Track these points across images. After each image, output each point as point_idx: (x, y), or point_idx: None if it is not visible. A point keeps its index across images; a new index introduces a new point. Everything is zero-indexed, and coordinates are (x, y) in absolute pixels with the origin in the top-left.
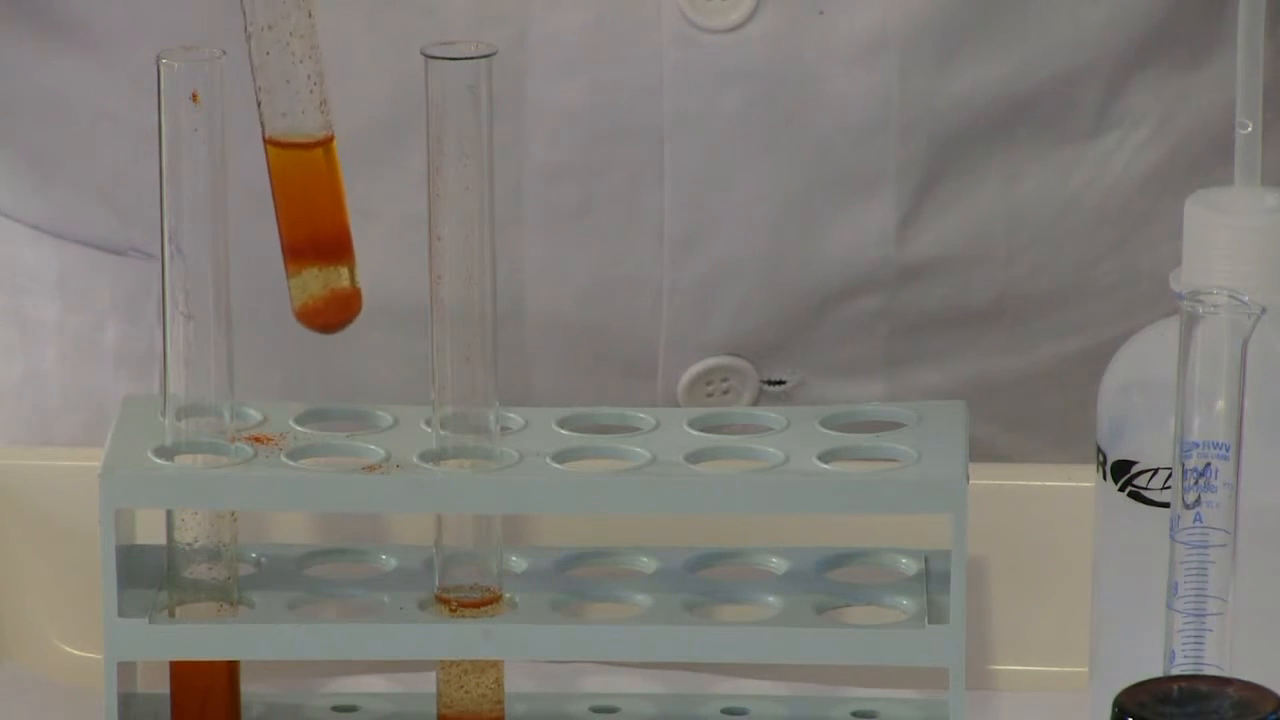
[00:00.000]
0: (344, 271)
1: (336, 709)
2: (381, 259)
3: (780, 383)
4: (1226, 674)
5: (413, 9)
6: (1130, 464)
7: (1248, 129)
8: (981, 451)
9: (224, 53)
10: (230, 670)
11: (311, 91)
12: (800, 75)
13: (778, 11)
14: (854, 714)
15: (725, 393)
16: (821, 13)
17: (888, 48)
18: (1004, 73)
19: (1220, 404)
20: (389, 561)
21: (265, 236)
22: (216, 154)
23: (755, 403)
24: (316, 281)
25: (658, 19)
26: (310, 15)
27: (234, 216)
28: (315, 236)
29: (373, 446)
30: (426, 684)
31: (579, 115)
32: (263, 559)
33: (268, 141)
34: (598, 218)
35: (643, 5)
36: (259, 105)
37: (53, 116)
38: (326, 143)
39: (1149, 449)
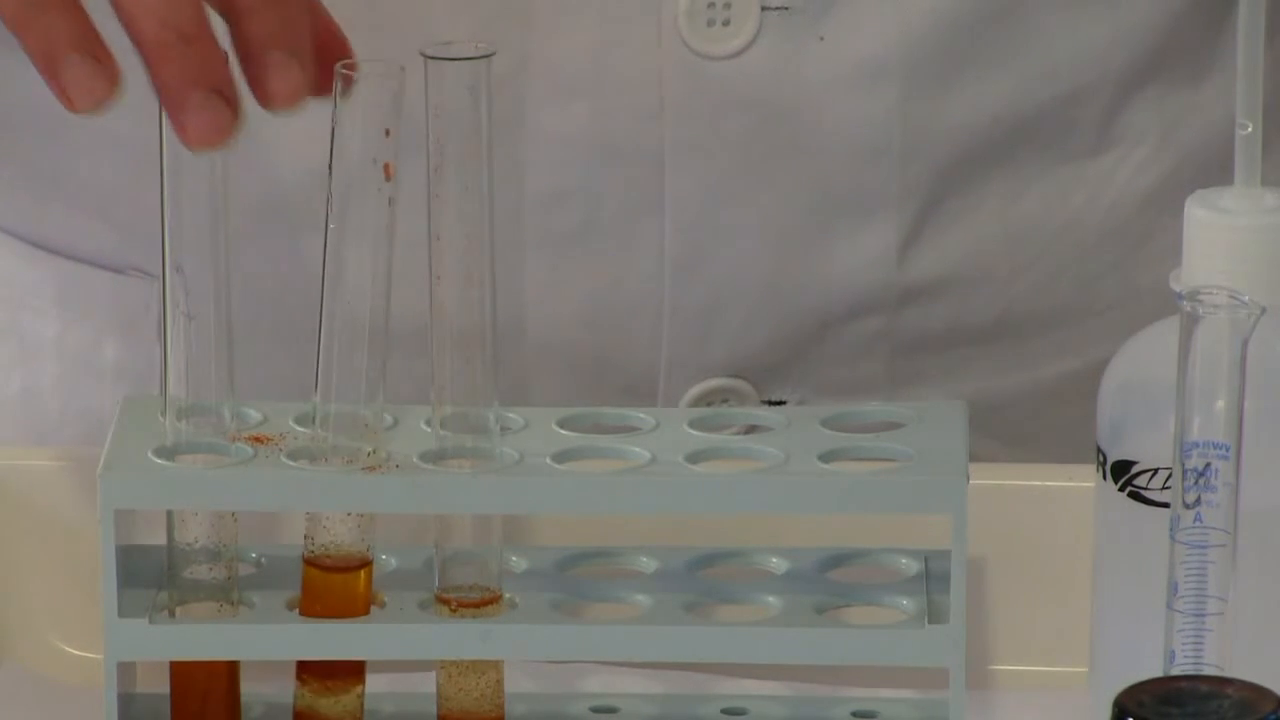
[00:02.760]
0: (355, 691)
1: None
2: None
3: (781, 403)
4: (1226, 674)
5: (413, 33)
6: (1130, 464)
7: (1248, 129)
8: None
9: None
10: (230, 670)
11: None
12: (801, 101)
13: (778, 38)
14: (854, 714)
15: None
16: (822, 38)
17: (889, 72)
18: (1005, 94)
19: (1220, 404)
20: (389, 561)
21: (266, 239)
22: (218, 156)
23: None
24: (325, 704)
25: (658, 46)
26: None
27: (234, 220)
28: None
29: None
30: (426, 684)
31: (580, 140)
32: (263, 559)
33: (307, 562)
34: (598, 241)
35: (643, 32)
36: (308, 537)
37: (54, 135)
38: (364, 566)
39: (1149, 449)
